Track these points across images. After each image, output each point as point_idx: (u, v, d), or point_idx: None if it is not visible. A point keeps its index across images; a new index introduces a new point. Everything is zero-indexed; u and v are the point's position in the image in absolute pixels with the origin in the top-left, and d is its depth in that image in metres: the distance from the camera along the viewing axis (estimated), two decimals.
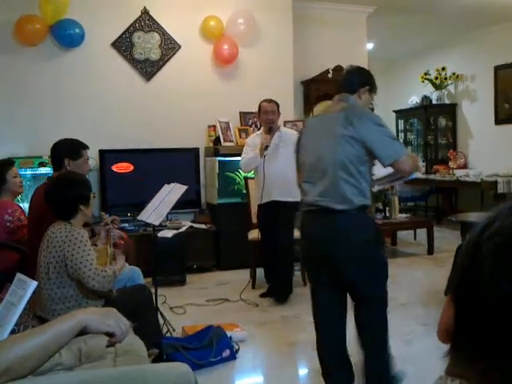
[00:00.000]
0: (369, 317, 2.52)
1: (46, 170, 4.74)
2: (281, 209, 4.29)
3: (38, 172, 4.89)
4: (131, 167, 5.37)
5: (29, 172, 4.92)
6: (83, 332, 1.23)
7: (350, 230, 2.39)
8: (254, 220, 4.97)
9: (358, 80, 2.62)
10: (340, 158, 2.37)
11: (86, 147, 3.19)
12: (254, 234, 4.83)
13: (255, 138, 4.51)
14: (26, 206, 3.90)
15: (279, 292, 4.42)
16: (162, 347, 2.91)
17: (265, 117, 4.38)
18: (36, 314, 2.47)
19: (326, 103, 2.55)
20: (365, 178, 2.41)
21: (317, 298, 2.58)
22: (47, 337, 1.17)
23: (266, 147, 4.22)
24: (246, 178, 5.27)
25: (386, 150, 2.36)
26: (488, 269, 0.50)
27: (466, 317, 0.53)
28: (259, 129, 5.78)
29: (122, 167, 5.35)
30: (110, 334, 1.25)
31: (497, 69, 7.58)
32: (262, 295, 4.52)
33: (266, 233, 4.47)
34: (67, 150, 3.11)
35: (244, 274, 5.07)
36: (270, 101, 4.49)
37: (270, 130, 4.32)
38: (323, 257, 2.45)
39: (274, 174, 4.25)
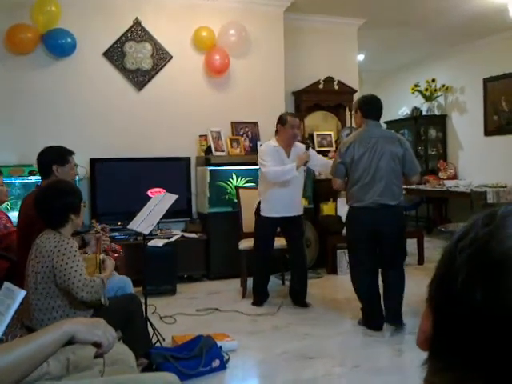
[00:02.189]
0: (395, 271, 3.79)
1: (36, 179, 4.71)
2: (290, 222, 4.42)
3: (28, 180, 4.87)
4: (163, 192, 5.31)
5: (19, 180, 4.90)
6: (71, 342, 1.22)
7: (399, 217, 3.78)
8: (246, 229, 4.98)
9: (382, 110, 3.84)
10: (393, 168, 3.65)
11: (71, 153, 3.22)
12: (245, 244, 4.83)
13: (274, 151, 4.33)
14: (15, 214, 3.88)
15: (302, 297, 4.52)
16: (151, 357, 2.90)
17: (291, 131, 4.30)
18: (24, 324, 2.45)
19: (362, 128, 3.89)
20: (401, 182, 3.76)
21: (359, 260, 3.79)
22: (34, 346, 1.16)
23: (305, 163, 4.27)
24: (237, 188, 5.28)
25: (415, 166, 3.79)
26: (461, 279, 0.50)
27: (442, 326, 0.54)
28: (252, 140, 5.83)
29: (156, 193, 5.32)
30: (97, 345, 1.25)
31: (486, 81, 7.67)
32: (257, 304, 4.51)
33: (268, 243, 4.52)
34: (55, 156, 3.14)
35: (235, 284, 5.07)
36: (295, 115, 4.49)
37: (308, 147, 4.36)
38: (379, 233, 3.66)
39: (296, 189, 4.39)
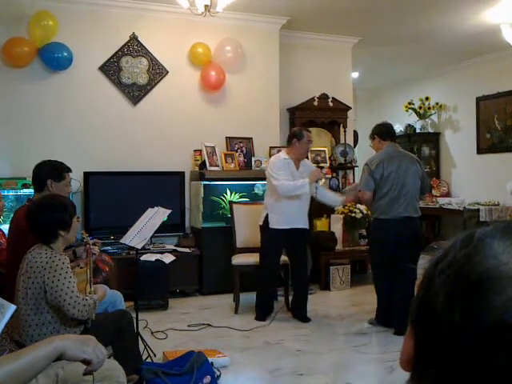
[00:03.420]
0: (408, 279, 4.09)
1: (30, 192, 4.70)
2: (297, 234, 4.45)
3: (21, 193, 4.86)
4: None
5: (12, 193, 4.88)
6: (59, 358, 1.22)
7: (419, 228, 4.38)
8: (239, 244, 4.97)
9: (395, 132, 4.53)
10: (415, 185, 4.18)
11: (68, 170, 3.19)
12: (238, 259, 4.82)
13: (284, 163, 4.40)
14: (7, 226, 3.87)
15: (303, 311, 4.55)
16: (141, 373, 2.87)
17: (307, 146, 4.46)
18: (14, 339, 2.43)
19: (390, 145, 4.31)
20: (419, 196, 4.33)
21: (381, 264, 4.25)
22: (22, 363, 1.16)
23: (318, 181, 4.39)
24: (231, 203, 5.28)
25: (428, 184, 4.61)
26: (441, 301, 0.51)
27: (423, 347, 0.54)
28: (246, 155, 5.85)
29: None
30: (86, 362, 1.24)
31: (478, 100, 7.75)
32: (260, 319, 4.50)
33: (277, 256, 4.55)
34: (51, 171, 3.11)
35: (227, 299, 5.04)
36: (309, 130, 4.61)
37: (320, 166, 4.55)
38: (400, 241, 4.06)
39: (305, 202, 4.47)
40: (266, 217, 4.45)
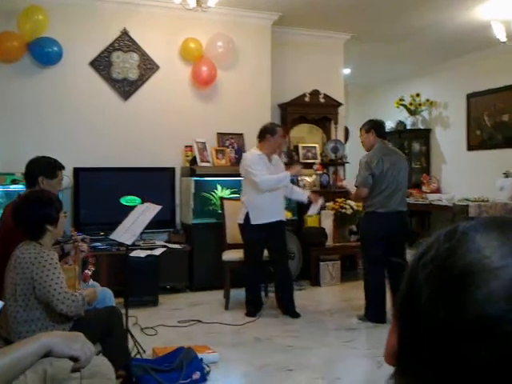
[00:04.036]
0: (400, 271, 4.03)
1: (19, 187, 4.67)
2: (277, 227, 4.50)
3: (10, 189, 4.82)
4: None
5: (1, 189, 4.85)
6: (47, 355, 1.21)
7: (407, 220, 4.77)
8: (230, 240, 4.98)
9: None
10: (406, 181, 4.47)
11: (62, 167, 3.17)
12: (228, 255, 4.82)
13: (260, 159, 4.46)
14: None
15: (292, 307, 4.57)
16: (130, 369, 2.87)
17: (280, 141, 4.59)
18: (1, 336, 2.42)
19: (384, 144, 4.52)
20: None
21: (376, 258, 4.32)
22: (9, 360, 1.15)
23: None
24: (221, 199, 5.28)
25: (410, 179, 4.66)
26: (424, 296, 0.51)
27: (406, 341, 0.54)
28: (237, 151, 5.84)
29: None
30: (74, 359, 1.23)
31: (469, 96, 7.78)
32: (251, 314, 4.51)
33: (260, 253, 4.57)
34: (44, 168, 3.08)
35: (217, 295, 5.05)
36: (281, 126, 4.84)
37: (292, 158, 4.75)
38: (393, 234, 4.27)
39: (281, 194, 4.57)
40: (247, 214, 4.45)
